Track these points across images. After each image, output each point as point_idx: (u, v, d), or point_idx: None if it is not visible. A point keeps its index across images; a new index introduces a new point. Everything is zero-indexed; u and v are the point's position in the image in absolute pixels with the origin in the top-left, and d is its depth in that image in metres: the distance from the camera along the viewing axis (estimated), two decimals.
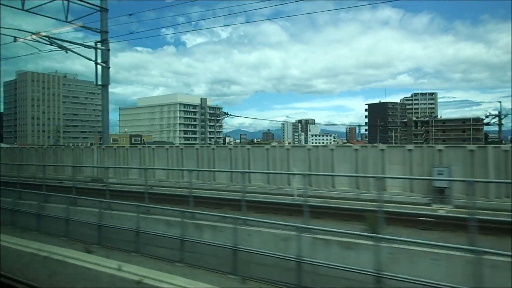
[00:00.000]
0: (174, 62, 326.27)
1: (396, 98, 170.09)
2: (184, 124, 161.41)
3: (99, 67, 20.14)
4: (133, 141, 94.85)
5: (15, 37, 16.97)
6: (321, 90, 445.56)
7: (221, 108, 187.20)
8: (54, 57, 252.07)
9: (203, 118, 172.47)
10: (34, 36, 17.28)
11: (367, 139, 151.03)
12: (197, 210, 9.15)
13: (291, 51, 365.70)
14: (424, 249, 6.36)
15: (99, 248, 9.45)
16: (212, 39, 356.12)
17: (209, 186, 15.73)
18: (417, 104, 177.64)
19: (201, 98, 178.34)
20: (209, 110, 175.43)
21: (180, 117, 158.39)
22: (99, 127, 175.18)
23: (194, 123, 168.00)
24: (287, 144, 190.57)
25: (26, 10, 16.54)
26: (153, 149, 18.05)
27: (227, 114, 54.54)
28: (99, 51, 20.25)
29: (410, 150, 13.21)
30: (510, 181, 10.94)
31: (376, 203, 7.18)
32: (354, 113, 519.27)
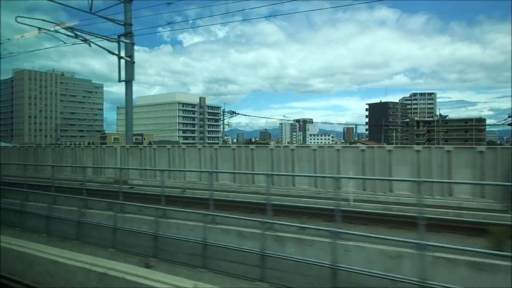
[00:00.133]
0: (171, 61, 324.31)
1: (392, 98, 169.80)
2: (183, 123, 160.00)
3: (122, 62, 18.97)
4: (134, 140, 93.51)
5: (39, 28, 15.79)
6: (318, 90, 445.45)
7: (220, 107, 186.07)
8: (50, 56, 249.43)
9: (202, 117, 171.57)
10: (56, 27, 16.09)
11: (367, 139, 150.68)
12: (274, 219, 8.07)
13: (289, 50, 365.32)
14: None
15: (158, 262, 8.35)
16: (209, 38, 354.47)
17: (255, 189, 14.68)
18: (416, 104, 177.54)
19: (200, 97, 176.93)
20: (208, 109, 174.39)
21: (178, 116, 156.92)
22: (97, 126, 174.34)
23: (193, 122, 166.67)
24: (286, 143, 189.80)
25: None
26: (183, 149, 16.93)
27: (235, 113, 53.27)
28: (121, 46, 19.08)
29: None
30: None
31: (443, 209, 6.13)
32: (351, 112, 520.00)
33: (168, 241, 8.74)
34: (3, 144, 71.62)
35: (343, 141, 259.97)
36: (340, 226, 7.04)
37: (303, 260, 6.98)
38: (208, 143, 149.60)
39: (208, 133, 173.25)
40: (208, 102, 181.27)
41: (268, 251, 7.35)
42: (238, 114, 59.47)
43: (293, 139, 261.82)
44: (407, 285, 5.96)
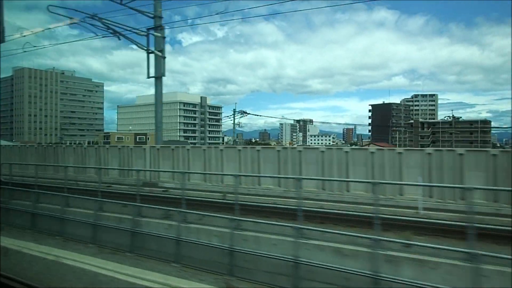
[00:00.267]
0: (170, 60, 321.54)
1: (391, 100, 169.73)
2: (184, 123, 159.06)
3: (151, 57, 17.86)
4: (137, 140, 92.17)
5: (70, 18, 14.67)
6: (316, 90, 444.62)
7: (221, 107, 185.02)
8: (49, 54, 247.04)
9: (203, 117, 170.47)
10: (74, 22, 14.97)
11: (369, 140, 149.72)
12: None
13: (287, 51, 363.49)
14: None
15: (238, 282, 7.26)
16: (208, 38, 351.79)
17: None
18: (418, 105, 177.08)
19: (201, 97, 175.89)
20: (209, 109, 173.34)
21: (180, 115, 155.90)
22: (97, 125, 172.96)
23: (194, 122, 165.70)
24: (288, 144, 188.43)
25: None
26: (221, 150, 15.81)
27: (245, 112, 52.09)
28: (149, 40, 17.96)
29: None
30: None
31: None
32: (350, 113, 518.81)
33: (245, 257, 7.64)
34: (5, 142, 70.18)
35: (343, 142, 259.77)
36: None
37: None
38: (209, 143, 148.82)
39: (209, 133, 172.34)
40: (209, 102, 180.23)
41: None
42: (249, 114, 58.41)
43: (294, 140, 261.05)
44: None
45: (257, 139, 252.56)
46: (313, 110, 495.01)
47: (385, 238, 6.47)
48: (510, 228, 7.19)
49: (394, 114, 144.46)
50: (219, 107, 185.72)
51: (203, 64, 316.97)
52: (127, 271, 7.33)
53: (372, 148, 12.98)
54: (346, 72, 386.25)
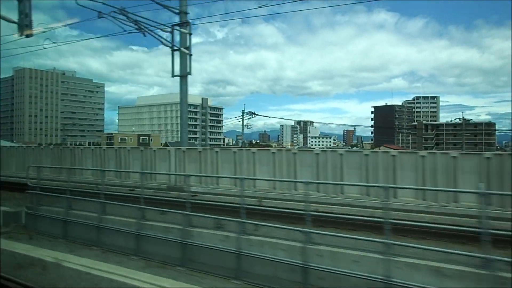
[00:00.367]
0: (170, 61, 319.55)
1: (391, 101, 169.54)
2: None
3: (176, 55, 17.04)
4: (141, 141, 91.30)
5: (99, 12, 13.83)
6: (316, 92, 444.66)
7: (222, 108, 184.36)
8: (48, 55, 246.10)
9: (204, 118, 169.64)
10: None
11: (372, 142, 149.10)
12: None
13: (287, 52, 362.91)
14: None
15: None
16: (207, 39, 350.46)
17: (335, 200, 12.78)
18: (419, 107, 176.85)
19: (202, 98, 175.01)
20: (210, 110, 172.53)
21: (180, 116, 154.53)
22: (98, 126, 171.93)
23: (195, 123, 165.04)
24: (289, 146, 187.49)
25: None
26: (253, 152, 14.97)
27: (254, 113, 51.27)
28: (172, 37, 17.14)
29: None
30: None
31: None
32: (349, 115, 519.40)
33: (319, 274, 6.80)
34: (6, 143, 69.19)
35: (344, 143, 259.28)
36: None
37: None
38: (211, 144, 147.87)
39: (210, 134, 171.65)
40: (210, 103, 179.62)
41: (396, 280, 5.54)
42: (258, 115, 57.55)
43: (294, 142, 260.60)
44: None
45: (258, 141, 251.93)
46: (312, 111, 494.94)
47: (498, 257, 5.63)
48: None
49: (397, 116, 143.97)
50: (220, 108, 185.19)
51: (203, 65, 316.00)
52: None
53: (423, 152, 12.30)
54: (346, 74, 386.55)
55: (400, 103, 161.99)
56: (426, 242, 7.11)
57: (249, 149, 15.49)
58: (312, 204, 8.39)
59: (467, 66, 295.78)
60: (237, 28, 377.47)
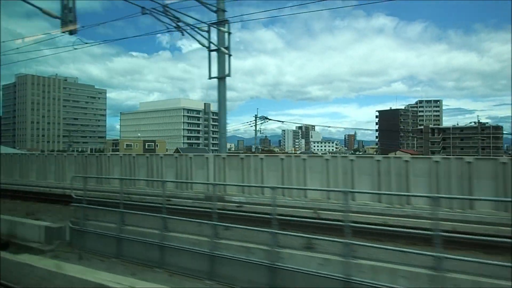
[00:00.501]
0: (170, 67, 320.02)
1: (392, 106, 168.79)
2: (188, 129, 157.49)
3: (213, 55, 16.02)
4: (146, 147, 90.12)
5: (143, 8, 12.81)
6: (316, 97, 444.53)
7: None
8: (49, 62, 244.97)
9: (207, 124, 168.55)
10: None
11: (377, 146, 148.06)
12: None
13: (287, 57, 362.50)
14: None
15: None
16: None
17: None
18: (422, 111, 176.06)
19: (205, 103, 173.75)
20: (212, 115, 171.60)
21: (183, 122, 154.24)
22: (100, 132, 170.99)
23: (198, 128, 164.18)
24: (293, 151, 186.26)
25: None
26: (304, 159, 13.89)
27: (267, 118, 50.20)
28: (209, 37, 16.13)
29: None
30: None
31: None
32: (349, 119, 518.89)
33: None
34: (11, 150, 67.90)
35: (346, 148, 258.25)
36: None
37: None
38: (213, 150, 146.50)
39: (213, 140, 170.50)
40: (213, 108, 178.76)
41: None
42: (270, 120, 56.54)
43: (296, 146, 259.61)
44: None
45: (259, 146, 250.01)
46: (312, 116, 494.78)
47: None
48: None
49: (402, 120, 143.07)
50: None
51: (203, 70, 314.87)
52: None
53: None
54: (345, 78, 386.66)
55: (402, 107, 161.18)
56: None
57: (299, 156, 14.40)
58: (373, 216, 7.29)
59: (466, 70, 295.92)
60: (237, 34, 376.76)
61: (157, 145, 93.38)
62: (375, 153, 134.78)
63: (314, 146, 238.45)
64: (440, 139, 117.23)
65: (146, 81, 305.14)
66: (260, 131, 51.41)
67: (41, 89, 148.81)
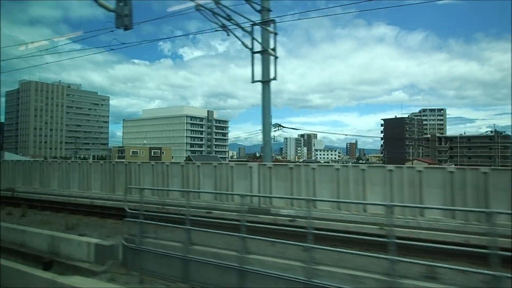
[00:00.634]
0: (171, 75, 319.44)
1: (392, 114, 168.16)
2: (191, 137, 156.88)
3: (256, 58, 15.01)
4: (152, 154, 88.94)
5: (197, 4, 11.81)
6: (317, 105, 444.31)
7: (227, 121, 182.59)
8: (51, 68, 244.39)
9: (210, 131, 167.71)
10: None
11: (382, 154, 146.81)
12: None
13: (288, 66, 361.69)
14: None
15: None
16: (209, 52, 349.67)
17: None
18: (426, 119, 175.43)
19: (208, 111, 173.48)
20: (215, 122, 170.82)
21: (186, 129, 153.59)
22: (102, 139, 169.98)
23: (201, 136, 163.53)
24: (297, 159, 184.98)
25: None
26: (363, 170, 12.77)
27: (280, 126, 48.91)
28: (252, 38, 15.13)
29: None
30: None
31: None
32: (350, 128, 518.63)
33: None
34: (16, 157, 66.86)
35: (348, 156, 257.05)
36: None
37: None
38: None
39: (215, 147, 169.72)
40: (216, 116, 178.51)
41: None
42: (285, 127, 55.31)
43: (298, 154, 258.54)
44: None
45: (262, 154, 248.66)
46: (313, 124, 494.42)
47: None
48: None
49: (407, 128, 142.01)
50: (225, 121, 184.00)
51: (204, 78, 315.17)
52: None
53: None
54: (346, 87, 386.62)
55: (405, 116, 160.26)
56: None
57: (357, 166, 13.28)
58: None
59: (467, 79, 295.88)
60: (238, 42, 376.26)
61: (163, 152, 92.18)
62: (381, 162, 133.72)
63: (317, 155, 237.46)
64: (447, 148, 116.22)
65: (147, 88, 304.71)
66: (274, 138, 50.03)
67: (45, 96, 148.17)
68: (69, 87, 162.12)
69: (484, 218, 10.16)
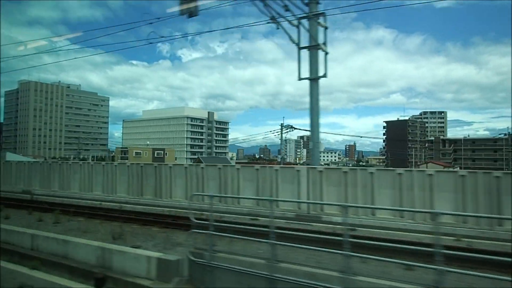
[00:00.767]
0: (169, 76, 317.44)
1: (390, 117, 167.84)
2: (191, 138, 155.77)
3: (303, 54, 13.95)
4: (156, 155, 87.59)
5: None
6: None
7: (228, 122, 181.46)
8: (49, 69, 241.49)
9: (210, 132, 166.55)
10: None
11: (384, 157, 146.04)
12: None
13: (286, 68, 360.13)
14: None
15: None
16: (207, 54, 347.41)
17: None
18: (427, 122, 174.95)
19: (208, 112, 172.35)
20: (216, 124, 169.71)
21: (187, 130, 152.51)
22: (101, 140, 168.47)
23: (201, 137, 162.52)
24: (297, 160, 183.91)
25: None
26: (429, 174, 11.73)
27: (292, 127, 48.05)
28: (299, 32, 14.09)
29: None
30: None
31: None
32: (348, 130, 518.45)
33: None
34: (18, 157, 65.35)
35: (347, 158, 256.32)
36: None
37: None
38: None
39: (216, 148, 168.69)
40: (216, 117, 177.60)
41: None
42: (296, 129, 54.34)
43: (298, 156, 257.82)
44: None
45: (261, 155, 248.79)
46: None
47: None
48: None
49: (410, 130, 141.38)
50: (226, 123, 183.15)
51: (202, 80, 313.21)
52: None
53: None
54: (344, 89, 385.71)
55: (405, 118, 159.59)
56: None
57: (422, 170, 12.24)
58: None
59: (465, 82, 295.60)
60: (237, 44, 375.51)
61: (166, 153, 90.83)
62: (383, 164, 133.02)
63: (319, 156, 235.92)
64: (451, 150, 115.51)
65: (146, 89, 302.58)
66: (285, 140, 49.13)
67: (44, 96, 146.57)
68: (68, 87, 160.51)
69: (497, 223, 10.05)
